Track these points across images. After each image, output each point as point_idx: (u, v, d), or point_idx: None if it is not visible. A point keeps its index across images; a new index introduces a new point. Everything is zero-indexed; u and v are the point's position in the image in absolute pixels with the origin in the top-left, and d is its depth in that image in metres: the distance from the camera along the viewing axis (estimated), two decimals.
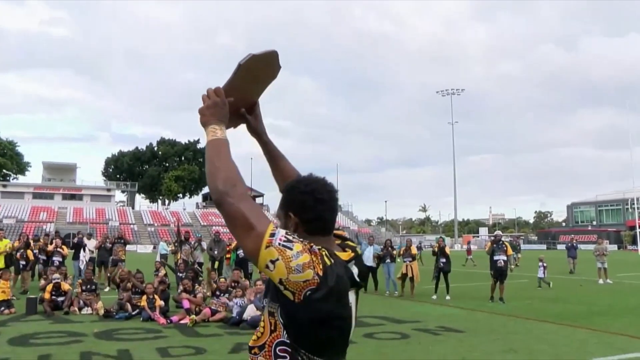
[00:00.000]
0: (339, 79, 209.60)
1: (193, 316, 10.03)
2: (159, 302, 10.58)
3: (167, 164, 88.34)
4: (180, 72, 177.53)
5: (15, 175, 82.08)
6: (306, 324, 1.53)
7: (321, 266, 1.50)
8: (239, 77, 1.79)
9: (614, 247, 68.72)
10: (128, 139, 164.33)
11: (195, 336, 8.86)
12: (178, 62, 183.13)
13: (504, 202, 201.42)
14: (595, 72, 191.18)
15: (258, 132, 2.03)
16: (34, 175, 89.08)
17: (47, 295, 11.23)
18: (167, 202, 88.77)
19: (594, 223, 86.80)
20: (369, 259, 15.16)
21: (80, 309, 11.13)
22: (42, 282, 13.11)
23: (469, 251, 33.28)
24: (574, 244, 24.95)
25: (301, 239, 1.55)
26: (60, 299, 11.33)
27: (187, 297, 10.85)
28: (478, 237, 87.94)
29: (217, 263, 16.47)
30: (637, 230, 62.97)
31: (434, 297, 14.11)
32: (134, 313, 10.55)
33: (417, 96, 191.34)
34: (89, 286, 11.86)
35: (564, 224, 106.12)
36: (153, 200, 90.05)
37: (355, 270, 1.65)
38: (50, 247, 16.15)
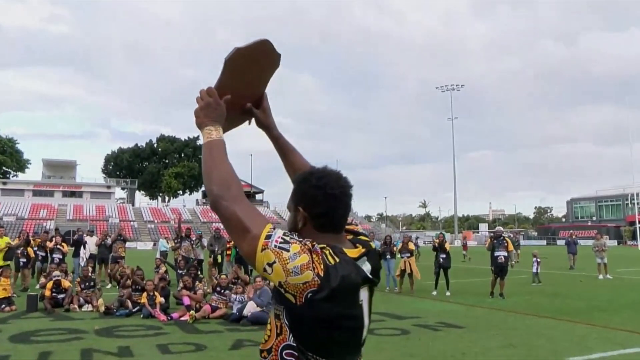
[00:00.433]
0: (339, 76, 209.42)
1: (192, 312, 10.05)
2: (159, 299, 10.59)
3: (166, 161, 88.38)
4: (179, 69, 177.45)
5: (15, 173, 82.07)
6: (312, 326, 1.48)
7: (322, 266, 1.45)
8: (229, 73, 1.76)
9: (614, 242, 68.87)
10: (128, 136, 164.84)
11: (196, 333, 8.88)
12: (177, 58, 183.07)
13: (503, 198, 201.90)
14: (595, 67, 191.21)
15: (267, 125, 1.98)
16: (34, 173, 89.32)
17: (47, 293, 11.25)
18: (167, 199, 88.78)
19: (594, 219, 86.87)
20: None
21: (80, 306, 11.14)
22: (42, 279, 13.13)
23: (464, 246, 33.31)
24: (574, 240, 24.92)
25: (300, 239, 1.50)
26: (61, 296, 11.34)
27: (188, 293, 10.86)
28: (478, 232, 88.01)
29: (219, 257, 16.48)
30: (637, 225, 63.00)
31: (434, 293, 14.13)
32: (134, 310, 10.57)
33: (417, 92, 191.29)
34: (87, 283, 11.86)
35: (563, 219, 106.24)
36: (153, 197, 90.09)
37: (367, 267, 1.59)
38: (50, 245, 16.15)
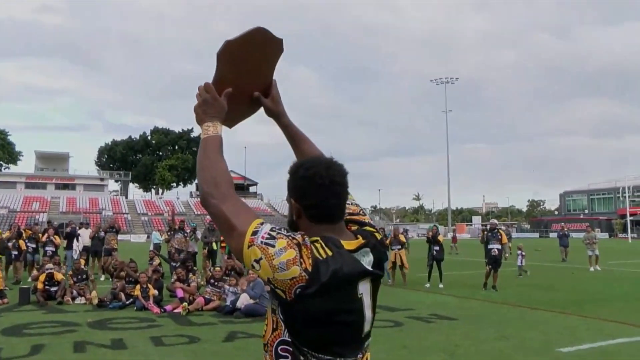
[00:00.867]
0: (334, 68, 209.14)
1: (185, 304, 10.05)
2: (153, 292, 10.59)
3: (160, 153, 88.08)
4: (174, 61, 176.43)
5: (7, 165, 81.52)
6: (305, 321, 1.46)
7: (311, 261, 1.43)
8: (225, 67, 1.74)
9: (605, 235, 69.35)
10: (121, 128, 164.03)
11: (189, 325, 8.89)
12: (172, 50, 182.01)
13: (497, 191, 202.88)
14: (589, 61, 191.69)
15: (277, 113, 1.93)
16: (27, 165, 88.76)
17: (40, 285, 11.21)
18: (160, 191, 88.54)
19: (586, 211, 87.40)
20: None
21: (73, 298, 11.12)
22: (35, 272, 13.09)
23: (454, 239, 33.37)
24: (566, 232, 25.04)
25: (289, 234, 1.48)
26: (54, 289, 11.30)
27: (181, 286, 10.87)
28: (471, 225, 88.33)
29: (214, 245, 16.48)
30: (628, 218, 63.47)
31: (427, 285, 14.19)
32: (127, 302, 10.56)
33: (413, 85, 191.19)
34: (80, 276, 11.83)
35: (556, 212, 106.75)
36: (146, 189, 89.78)
37: (368, 258, 1.55)
38: (43, 238, 16.08)
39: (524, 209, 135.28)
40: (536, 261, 24.02)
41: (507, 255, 15.12)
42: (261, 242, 1.45)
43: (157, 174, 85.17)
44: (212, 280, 10.98)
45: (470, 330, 8.39)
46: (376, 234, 1.65)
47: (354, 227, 1.66)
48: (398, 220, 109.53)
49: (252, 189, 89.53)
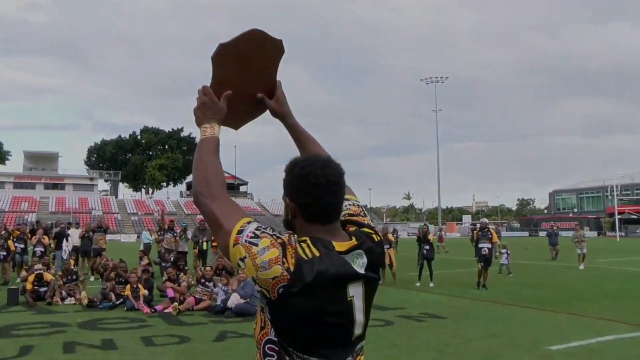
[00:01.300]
0: (326, 66, 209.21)
1: (175, 303, 10.02)
2: (143, 291, 10.55)
3: (150, 153, 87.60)
4: (164, 59, 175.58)
5: None
6: (289, 321, 1.46)
7: (294, 260, 1.42)
8: (221, 70, 1.76)
9: (594, 233, 69.92)
10: (111, 128, 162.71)
11: (180, 325, 8.87)
12: (162, 48, 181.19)
13: (487, 190, 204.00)
14: (579, 60, 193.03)
15: (282, 114, 1.93)
16: (15, 165, 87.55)
17: (29, 286, 11.13)
18: (150, 191, 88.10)
19: (575, 210, 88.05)
20: None
21: (63, 299, 11.05)
22: (23, 272, 12.99)
23: (440, 238, 33.44)
24: (555, 231, 25.08)
25: (273, 233, 1.49)
26: (43, 289, 11.22)
27: (172, 285, 10.84)
28: (462, 224, 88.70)
29: (205, 245, 16.44)
30: (616, 216, 64.03)
31: (418, 284, 14.24)
32: (117, 302, 10.52)
33: (403, 83, 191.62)
34: (69, 277, 11.76)
35: (545, 211, 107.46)
36: (136, 189, 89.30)
37: (362, 261, 1.53)
38: (32, 240, 15.95)
39: (514, 208, 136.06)
40: (526, 260, 24.19)
41: (497, 254, 15.20)
42: (245, 240, 1.46)
43: (147, 173, 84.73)
44: (202, 280, 10.96)
45: (460, 328, 8.44)
46: (373, 236, 1.63)
47: (352, 228, 1.64)
48: (388, 219, 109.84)
49: (242, 188, 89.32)
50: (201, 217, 27.30)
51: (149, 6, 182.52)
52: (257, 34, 1.78)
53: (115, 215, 67.72)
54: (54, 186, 75.96)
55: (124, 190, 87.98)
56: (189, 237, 16.97)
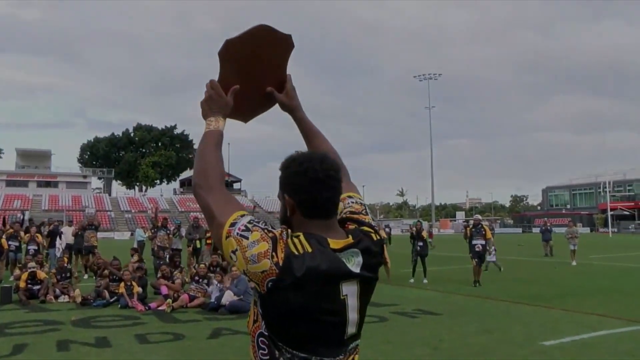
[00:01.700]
0: (317, 63, 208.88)
1: (169, 300, 10.00)
2: (137, 289, 10.52)
3: (143, 150, 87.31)
4: (157, 56, 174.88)
5: None
6: (278, 316, 1.46)
7: (283, 255, 1.42)
8: (229, 65, 1.77)
9: (587, 229, 70.25)
10: (104, 125, 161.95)
11: (174, 322, 8.85)
12: (155, 46, 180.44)
13: (480, 187, 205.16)
14: (571, 57, 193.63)
15: (291, 108, 1.94)
16: (7, 163, 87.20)
17: (22, 284, 11.08)
18: (144, 188, 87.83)
19: (568, 206, 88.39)
20: None
21: (56, 297, 11.00)
22: (17, 271, 12.92)
23: (430, 234, 33.47)
24: (548, 227, 25.08)
25: (265, 227, 1.48)
26: (36, 287, 11.17)
27: (166, 283, 10.82)
28: (455, 221, 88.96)
29: (198, 243, 16.41)
30: (609, 212, 64.35)
31: (412, 280, 14.27)
32: (111, 300, 10.48)
33: (396, 80, 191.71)
34: (63, 274, 11.71)
35: (539, 207, 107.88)
36: (130, 186, 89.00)
37: (357, 260, 1.52)
38: (25, 238, 15.85)
39: (507, 205, 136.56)
40: (519, 256, 24.33)
41: (493, 250, 15.22)
42: (237, 233, 1.46)
43: (141, 171, 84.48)
44: (196, 278, 10.94)
45: (454, 324, 8.47)
46: (372, 235, 1.62)
47: (352, 226, 1.63)
48: (382, 216, 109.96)
49: (235, 185, 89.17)
50: (195, 214, 27.33)
51: (143, 4, 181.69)
52: (264, 30, 1.79)
53: (108, 213, 67.51)
54: (47, 184, 75.61)
55: (118, 187, 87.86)
56: (183, 234, 16.93)
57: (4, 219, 18.67)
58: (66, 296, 11.05)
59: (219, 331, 8.03)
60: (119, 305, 10.18)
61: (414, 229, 15.32)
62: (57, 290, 11.18)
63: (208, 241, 16.25)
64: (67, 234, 16.91)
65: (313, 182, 1.53)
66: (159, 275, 11.40)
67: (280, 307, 1.44)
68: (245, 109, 1.94)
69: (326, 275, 1.45)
